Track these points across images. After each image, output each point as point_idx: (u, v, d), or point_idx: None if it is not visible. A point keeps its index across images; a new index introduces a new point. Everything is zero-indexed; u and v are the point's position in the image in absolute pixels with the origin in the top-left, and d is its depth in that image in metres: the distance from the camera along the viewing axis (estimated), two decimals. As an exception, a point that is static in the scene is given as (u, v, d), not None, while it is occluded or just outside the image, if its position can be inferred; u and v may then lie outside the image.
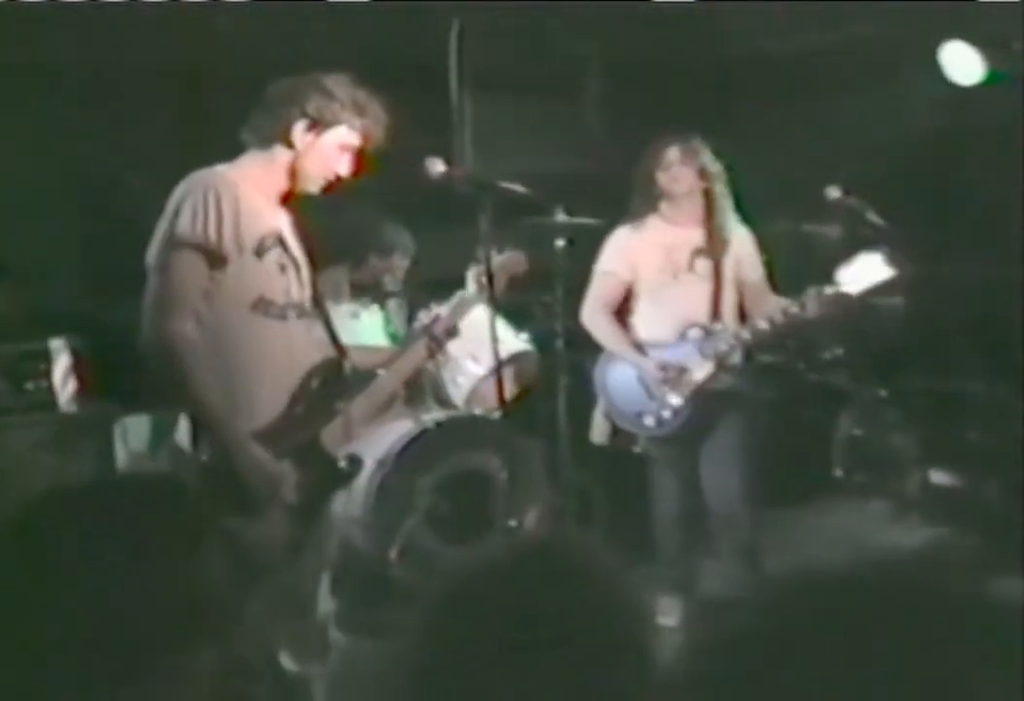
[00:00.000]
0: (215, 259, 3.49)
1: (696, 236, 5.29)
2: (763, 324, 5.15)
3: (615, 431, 5.41)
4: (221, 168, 3.63)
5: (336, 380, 3.75)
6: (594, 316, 5.38)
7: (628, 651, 1.60)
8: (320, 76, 3.66)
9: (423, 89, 5.83)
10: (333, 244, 5.55)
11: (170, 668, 1.58)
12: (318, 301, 3.81)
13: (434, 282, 6.26)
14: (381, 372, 4.09)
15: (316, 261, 3.93)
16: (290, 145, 3.62)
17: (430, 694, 1.56)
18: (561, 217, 5.45)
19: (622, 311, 5.38)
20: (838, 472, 6.86)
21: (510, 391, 5.63)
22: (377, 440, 5.45)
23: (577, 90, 7.77)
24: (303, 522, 3.65)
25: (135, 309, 3.57)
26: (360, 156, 3.72)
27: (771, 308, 5.20)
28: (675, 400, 5.21)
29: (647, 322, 5.33)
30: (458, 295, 5.97)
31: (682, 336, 5.24)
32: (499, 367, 4.16)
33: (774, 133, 5.45)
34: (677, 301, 5.26)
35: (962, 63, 6.89)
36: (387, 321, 6.18)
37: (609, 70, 7.63)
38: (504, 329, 5.51)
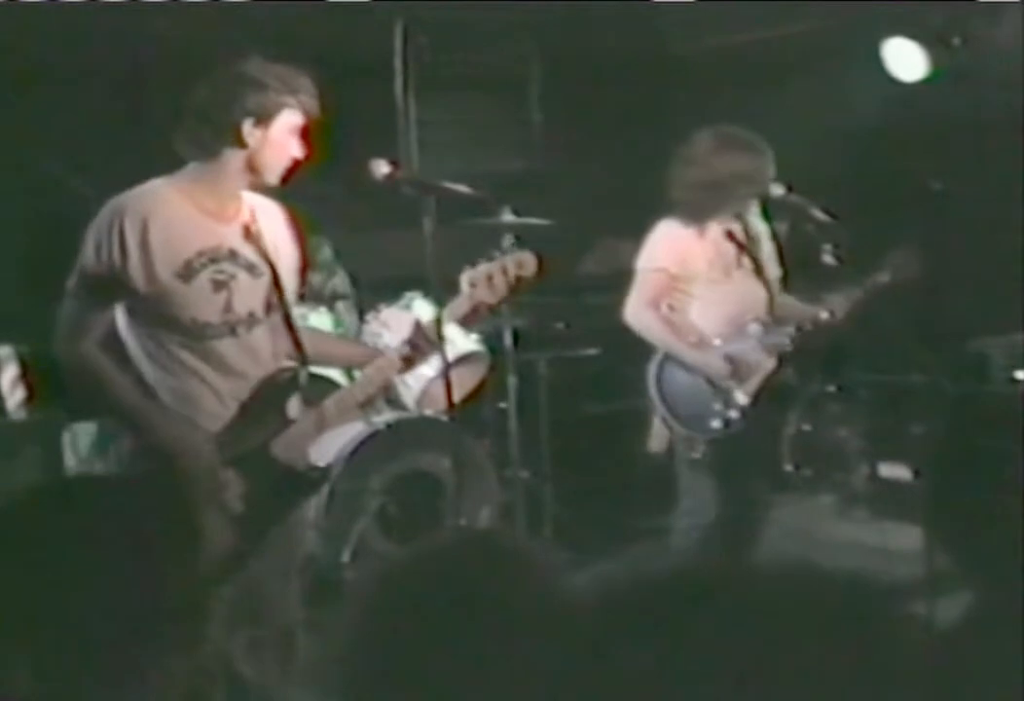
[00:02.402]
0: (125, 289, 3.48)
1: (737, 231, 5.09)
2: (825, 314, 4.98)
3: (674, 437, 5.08)
4: (157, 183, 3.58)
5: (290, 390, 3.72)
6: (643, 315, 5.00)
7: (570, 645, 1.61)
8: (235, 68, 3.58)
9: (368, 90, 5.83)
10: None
11: (130, 671, 1.58)
12: (284, 299, 3.75)
13: (381, 284, 6.28)
14: (349, 382, 4.01)
15: (305, 252, 3.92)
16: (243, 145, 3.55)
17: (373, 689, 1.57)
18: (508, 217, 5.46)
19: (669, 310, 5.07)
20: (787, 467, 6.90)
21: (461, 392, 5.64)
22: (327, 442, 5.44)
23: (522, 89, 7.78)
24: (253, 530, 3.60)
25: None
26: (306, 133, 3.65)
27: (799, 308, 5.09)
28: (742, 398, 4.94)
29: (702, 321, 5.04)
30: (407, 296, 6.01)
31: (741, 331, 5.00)
32: (447, 368, 4.14)
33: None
34: (733, 297, 5.04)
35: (905, 59, 6.94)
36: (337, 323, 6.19)
37: (553, 68, 7.64)
38: (454, 329, 5.52)
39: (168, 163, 3.66)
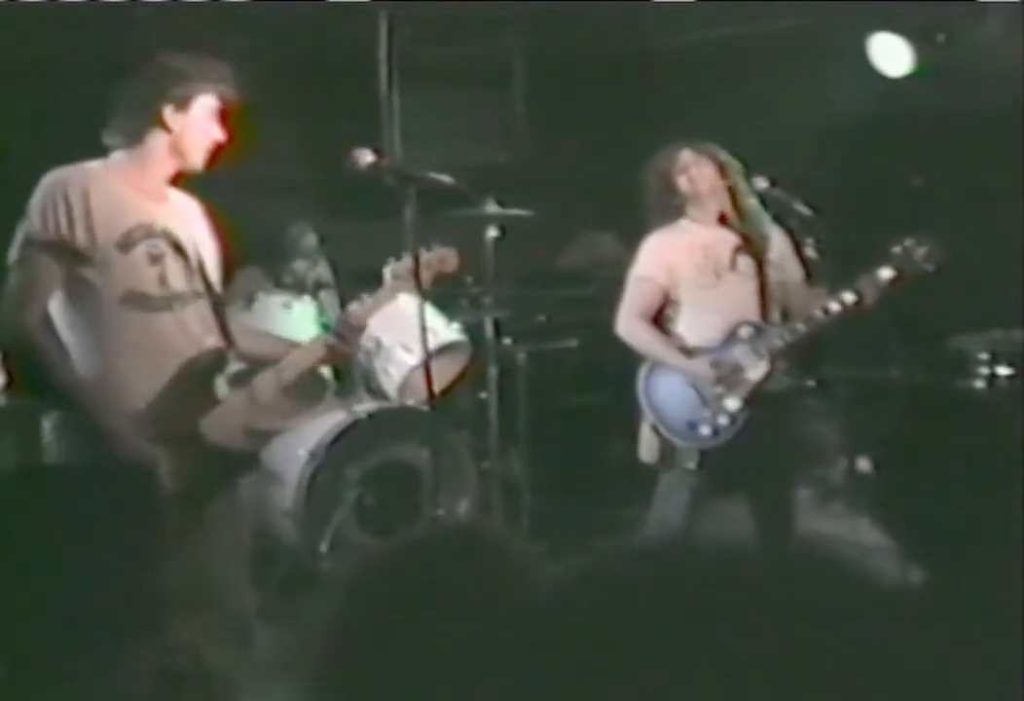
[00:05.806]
0: (71, 255, 3.58)
1: (732, 235, 4.98)
2: (819, 314, 4.79)
3: (664, 447, 4.94)
4: (89, 164, 3.72)
5: (217, 370, 3.77)
6: (632, 325, 4.96)
7: (547, 637, 1.61)
8: (158, 61, 3.79)
9: (352, 81, 5.81)
10: (255, 246, 5.59)
11: (100, 661, 1.58)
12: (210, 287, 3.83)
13: (363, 274, 6.28)
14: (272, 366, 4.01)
15: (228, 248, 3.97)
16: (167, 130, 3.72)
17: (349, 681, 1.57)
18: (492, 208, 5.46)
19: (661, 320, 4.99)
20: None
21: (443, 381, 5.64)
22: (309, 431, 5.45)
23: (506, 81, 7.78)
24: (188, 510, 3.61)
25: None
26: (225, 117, 3.81)
27: (821, 300, 4.83)
28: (732, 404, 4.82)
29: (693, 327, 4.96)
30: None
31: (732, 335, 4.88)
32: (428, 358, 4.15)
33: (701, 124, 5.47)
34: (724, 301, 4.92)
35: (891, 55, 6.96)
36: (320, 312, 6.18)
37: (537, 61, 7.64)
38: (436, 319, 5.52)
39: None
